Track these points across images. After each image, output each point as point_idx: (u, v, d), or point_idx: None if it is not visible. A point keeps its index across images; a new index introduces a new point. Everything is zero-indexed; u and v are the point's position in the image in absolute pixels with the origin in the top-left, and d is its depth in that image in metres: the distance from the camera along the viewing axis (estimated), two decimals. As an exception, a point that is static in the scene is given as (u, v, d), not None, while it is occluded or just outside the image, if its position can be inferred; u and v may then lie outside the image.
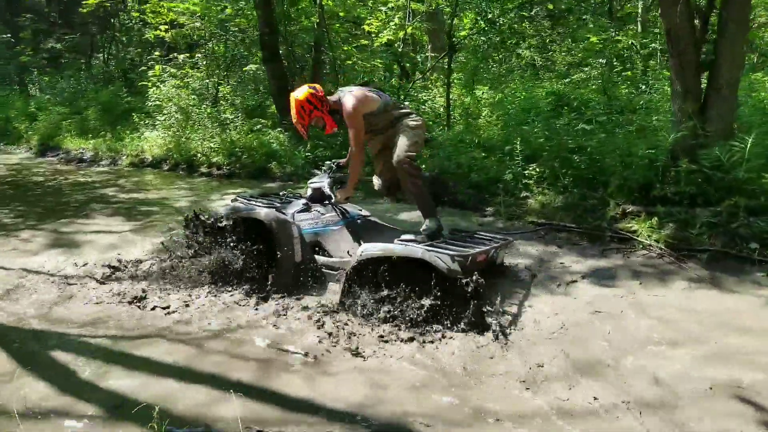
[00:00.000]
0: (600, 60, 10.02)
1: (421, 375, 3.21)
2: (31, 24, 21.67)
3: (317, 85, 4.54)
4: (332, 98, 4.51)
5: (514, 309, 4.02)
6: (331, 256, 4.50)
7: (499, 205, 6.36)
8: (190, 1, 12.22)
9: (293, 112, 4.46)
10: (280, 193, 5.56)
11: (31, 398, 2.94)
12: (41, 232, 6.14)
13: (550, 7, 11.89)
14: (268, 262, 4.39)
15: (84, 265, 5.01)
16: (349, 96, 4.36)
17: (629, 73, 9.58)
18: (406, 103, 4.98)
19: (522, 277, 4.59)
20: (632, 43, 9.93)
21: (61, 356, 3.41)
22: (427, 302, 3.70)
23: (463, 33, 11.94)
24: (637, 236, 5.17)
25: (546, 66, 11.66)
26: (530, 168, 6.60)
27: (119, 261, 5.03)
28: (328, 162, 5.30)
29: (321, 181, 4.86)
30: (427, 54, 12.84)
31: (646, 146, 5.95)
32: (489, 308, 3.90)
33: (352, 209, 4.83)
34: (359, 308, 3.88)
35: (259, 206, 4.62)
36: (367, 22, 12.80)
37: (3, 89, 18.24)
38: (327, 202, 4.72)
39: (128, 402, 2.87)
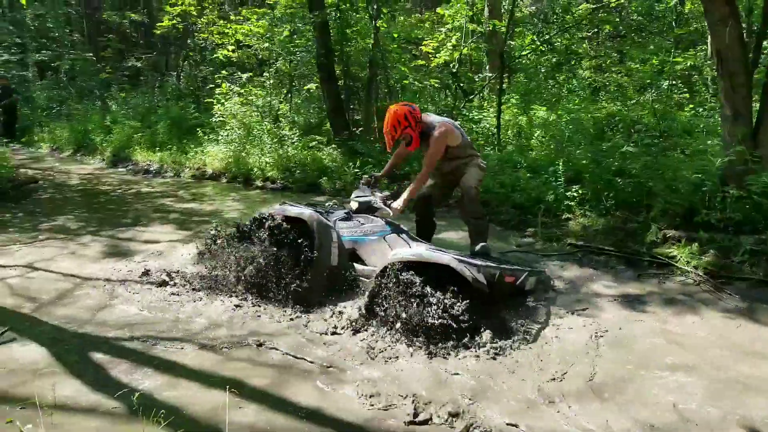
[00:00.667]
0: (659, 82, 9.77)
1: (433, 388, 3.24)
2: (113, 44, 23.00)
3: (416, 105, 4.93)
4: (424, 119, 4.92)
5: (534, 328, 4.01)
6: (366, 266, 4.60)
7: (539, 226, 6.31)
8: (254, 23, 12.71)
9: (388, 123, 4.84)
10: (326, 204, 5.73)
11: (61, 394, 3.13)
12: (99, 238, 6.51)
13: (608, 28, 11.71)
14: (306, 269, 4.47)
15: (132, 272, 5.26)
16: (441, 126, 4.85)
17: (687, 95, 9.31)
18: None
19: (546, 297, 4.57)
20: (692, 64, 9.65)
21: (96, 357, 3.63)
22: (448, 313, 3.72)
23: (524, 53, 11.94)
24: (676, 262, 5.03)
25: (604, 87, 11.46)
26: (573, 189, 6.54)
27: (164, 269, 5.25)
28: (365, 176, 5.47)
29: (366, 194, 5.09)
30: (485, 74, 12.88)
31: (693, 170, 5.80)
32: (509, 325, 3.94)
33: (391, 223, 4.94)
34: (383, 317, 3.95)
35: (304, 208, 4.75)
36: (425, 42, 12.97)
37: (84, 104, 19.26)
38: (375, 214, 4.88)
39: (149, 403, 3.02)
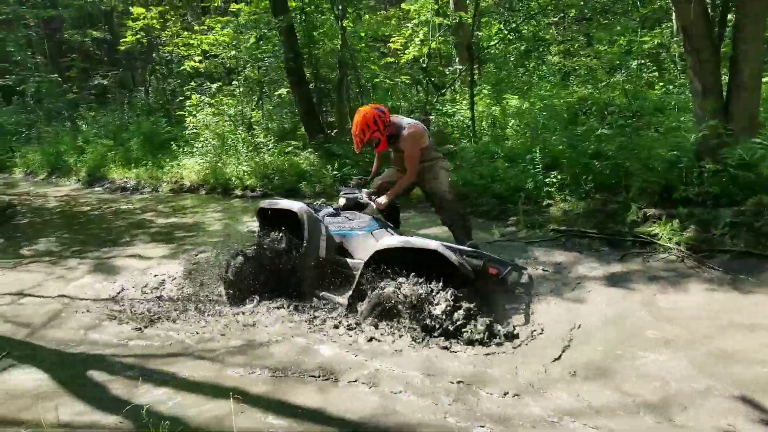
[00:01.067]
0: (628, 62, 9.86)
1: (430, 382, 3.26)
2: (77, 63, 22.69)
3: (385, 108, 4.96)
4: (393, 121, 4.97)
5: (525, 314, 4.07)
6: (354, 259, 4.66)
7: (520, 214, 6.36)
8: (219, 32, 12.59)
9: (357, 126, 4.88)
10: (314, 203, 5.80)
11: (64, 414, 3.13)
12: (84, 260, 6.48)
13: (573, 12, 11.80)
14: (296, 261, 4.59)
15: (120, 290, 5.28)
16: (411, 127, 4.92)
17: (656, 73, 9.42)
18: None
19: (530, 284, 4.62)
20: (659, 42, 9.77)
21: (95, 375, 3.62)
22: (441, 301, 3.80)
23: (492, 43, 11.99)
24: (658, 239, 5.08)
25: (573, 71, 11.55)
26: (551, 175, 6.60)
27: (150, 285, 5.28)
28: (355, 177, 5.60)
29: (354, 192, 5.20)
30: (455, 67, 12.92)
31: (667, 148, 5.88)
32: (500, 313, 4.02)
33: (378, 220, 5.03)
34: (375, 306, 4.01)
35: (294, 202, 4.84)
36: (393, 39, 12.97)
37: (54, 126, 18.97)
38: (363, 210, 5.00)
39: (153, 417, 2.99)
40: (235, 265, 4.65)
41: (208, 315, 4.49)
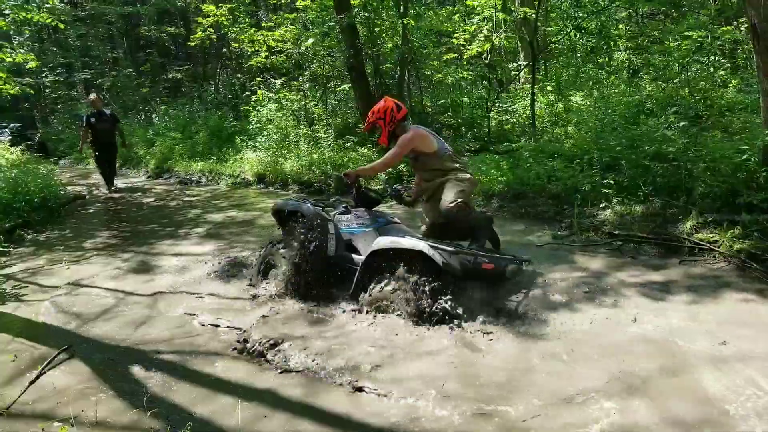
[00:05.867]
0: (699, 58, 9.37)
1: (454, 387, 3.22)
2: (151, 58, 23.62)
3: (403, 107, 4.98)
4: (406, 126, 4.94)
5: (559, 321, 3.95)
6: (360, 255, 4.77)
7: (575, 217, 6.16)
8: (284, 29, 12.78)
9: (374, 107, 5.03)
10: (331, 200, 5.90)
11: (101, 412, 3.19)
12: (140, 253, 6.68)
13: (645, 7, 11.32)
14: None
15: (169, 285, 5.41)
16: (412, 129, 4.90)
17: (728, 71, 8.92)
18: (465, 159, 5.27)
19: (577, 288, 4.47)
20: (734, 39, 9.23)
21: (136, 371, 3.71)
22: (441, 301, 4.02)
23: (557, 39, 11.69)
24: (718, 247, 4.84)
25: (642, 68, 11.08)
26: (609, 177, 6.36)
27: (200, 281, 5.42)
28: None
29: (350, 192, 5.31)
30: (519, 63, 12.66)
31: (734, 150, 5.56)
32: (538, 316, 4.01)
33: (386, 217, 5.12)
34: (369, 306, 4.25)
35: (304, 203, 5.00)
36: (456, 35, 12.83)
37: (128, 118, 19.65)
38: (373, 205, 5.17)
39: (183, 418, 3.08)
40: (265, 255, 5.05)
41: (253, 313, 4.53)
